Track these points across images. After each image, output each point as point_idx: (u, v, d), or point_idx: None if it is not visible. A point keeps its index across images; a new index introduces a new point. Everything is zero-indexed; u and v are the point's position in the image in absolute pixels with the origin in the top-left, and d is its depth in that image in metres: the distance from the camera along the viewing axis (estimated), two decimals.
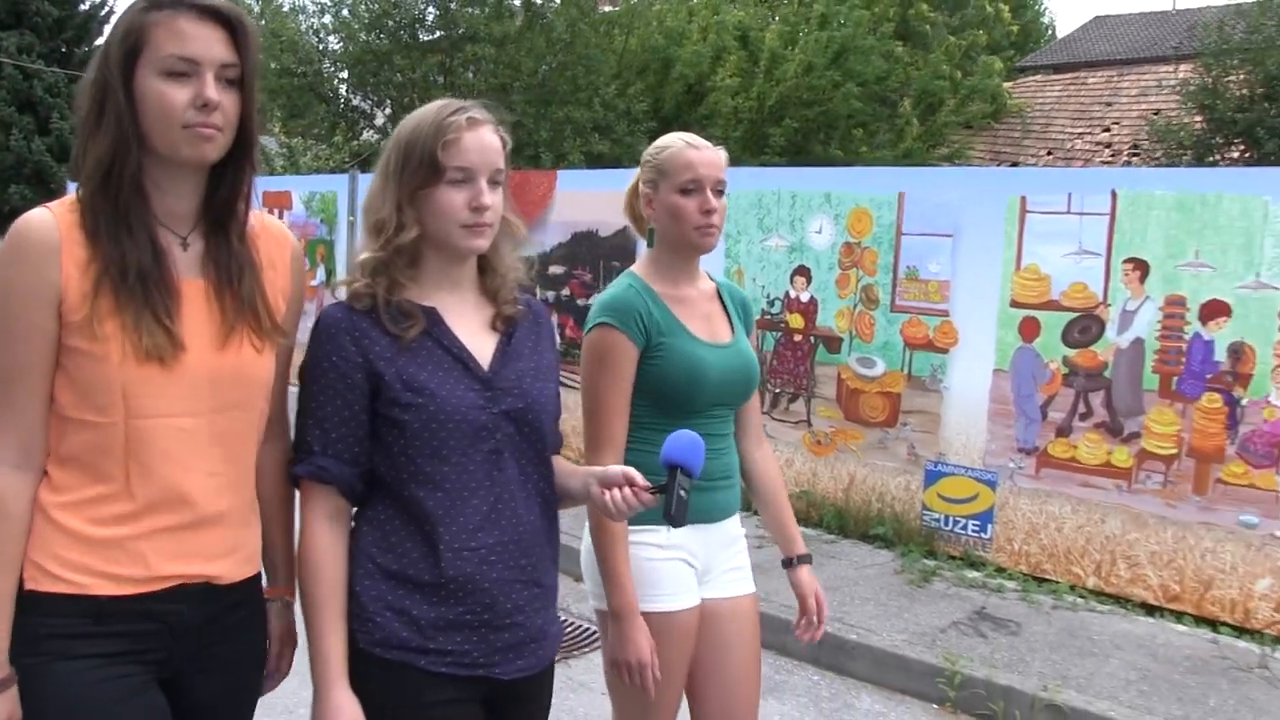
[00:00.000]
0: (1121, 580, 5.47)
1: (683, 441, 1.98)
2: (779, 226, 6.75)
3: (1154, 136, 17.10)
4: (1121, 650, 4.83)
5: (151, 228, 1.78)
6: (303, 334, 2.01)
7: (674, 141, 2.57)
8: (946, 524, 6.05)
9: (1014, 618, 5.17)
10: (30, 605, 1.74)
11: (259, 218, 1.97)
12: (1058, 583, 5.60)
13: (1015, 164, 20.36)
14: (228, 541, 1.87)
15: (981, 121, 21.05)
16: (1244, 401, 5.10)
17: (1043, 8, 36.02)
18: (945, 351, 6.06)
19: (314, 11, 14.78)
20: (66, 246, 1.72)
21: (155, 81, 1.72)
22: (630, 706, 2.56)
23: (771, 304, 6.76)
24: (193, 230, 1.85)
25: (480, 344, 2.03)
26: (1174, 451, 5.30)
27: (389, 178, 1.99)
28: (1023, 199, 5.72)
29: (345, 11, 14.53)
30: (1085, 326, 5.55)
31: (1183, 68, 17.77)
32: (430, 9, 14.93)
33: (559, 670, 2.24)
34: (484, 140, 1.97)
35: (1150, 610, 5.35)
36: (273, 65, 14.02)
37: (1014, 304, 5.76)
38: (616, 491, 1.98)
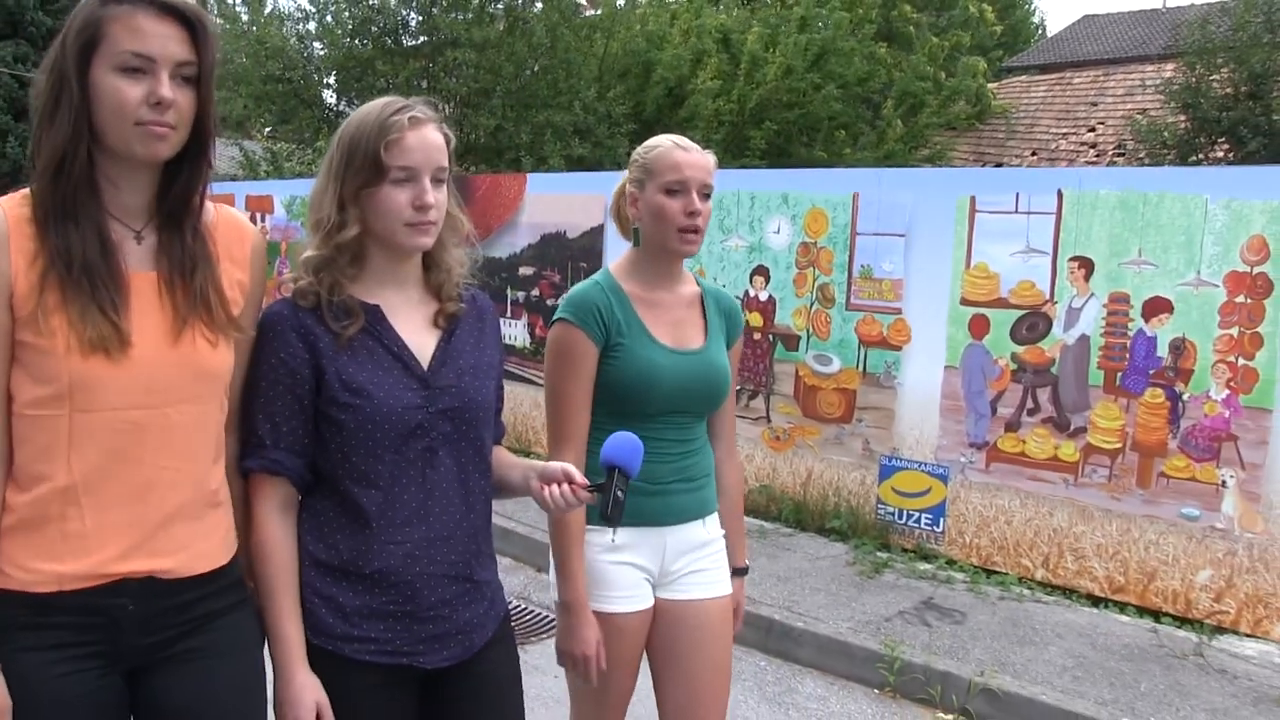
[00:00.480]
0: (1069, 572, 5.59)
1: (621, 443, 2.02)
2: (739, 227, 6.86)
3: (1137, 136, 17.18)
4: (1062, 639, 4.94)
5: (101, 221, 1.76)
6: None
7: (663, 142, 2.55)
8: (900, 517, 6.17)
9: (960, 607, 5.29)
10: None
11: (218, 210, 1.96)
12: (1006, 574, 5.71)
13: (999, 165, 20.47)
14: (179, 537, 1.84)
15: (966, 122, 21.17)
16: (1185, 397, 5.21)
17: (1032, 7, 36.14)
18: (899, 349, 6.17)
19: (299, 18, 14.91)
20: (14, 239, 1.71)
21: (110, 77, 1.70)
22: (584, 700, 2.62)
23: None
24: (147, 224, 1.83)
25: (422, 341, 2.06)
26: (1118, 446, 5.42)
27: (332, 176, 2.01)
28: (972, 199, 5.84)
29: (329, 18, 14.64)
30: (1033, 323, 5.66)
31: (1169, 67, 17.85)
32: (413, 15, 15.02)
33: None
34: (427, 139, 1.98)
35: (1096, 601, 5.47)
36: (260, 73, 14.14)
37: (964, 302, 5.88)
38: (555, 487, 2.02)
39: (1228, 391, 5.08)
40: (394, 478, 1.99)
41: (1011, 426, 5.75)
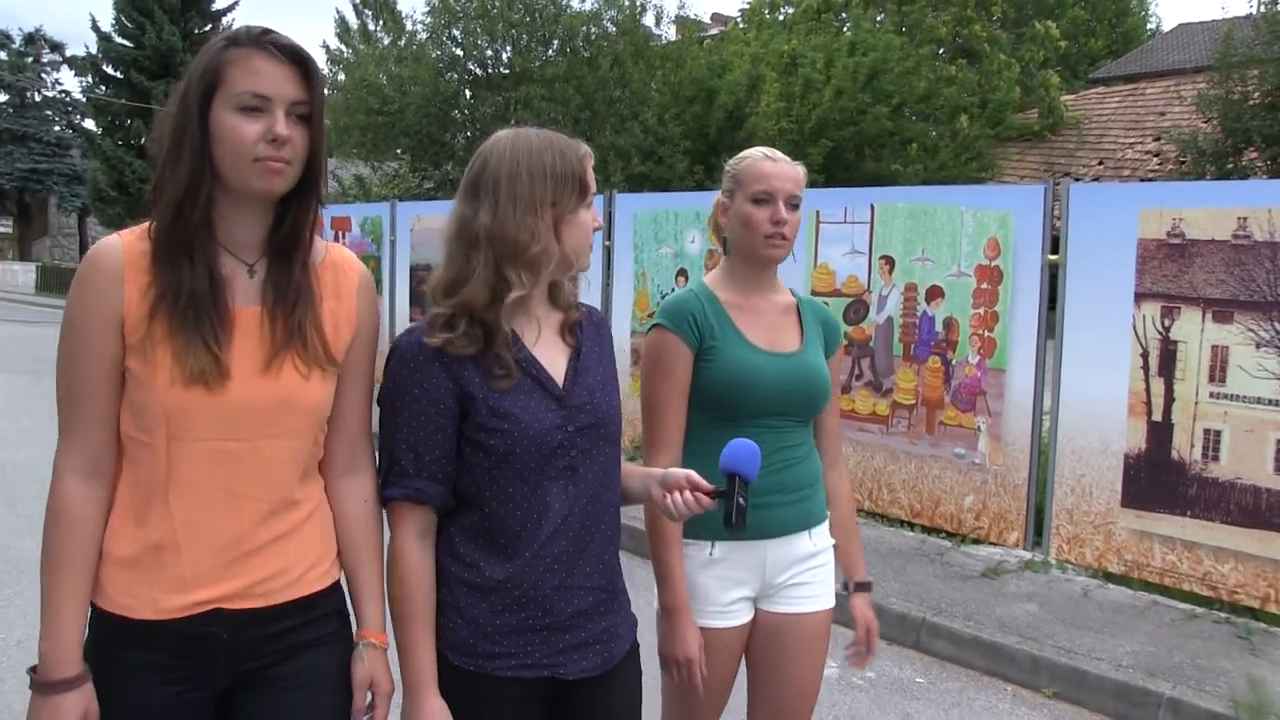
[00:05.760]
0: (885, 502, 7.19)
1: (739, 449, 2.01)
2: (668, 238, 8.65)
3: (1177, 147, 17.87)
4: None
5: (213, 256, 1.80)
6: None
7: (753, 154, 2.59)
8: None
9: None
10: (92, 616, 1.83)
11: (330, 248, 2.00)
12: None
13: (1067, 174, 21.36)
14: (268, 567, 1.87)
15: (1038, 134, 22.18)
16: (954, 362, 6.77)
17: (1149, 12, 36.20)
18: None
19: (396, 58, 17.19)
20: (130, 273, 1.76)
21: (229, 116, 1.75)
22: (676, 707, 2.61)
23: (663, 298, 8.63)
24: (260, 258, 1.87)
25: (554, 360, 2.08)
26: (914, 402, 7.00)
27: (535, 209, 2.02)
28: (818, 213, 7.49)
29: (421, 61, 16.88)
30: (857, 309, 7.29)
31: (1201, 78, 18.48)
32: (504, 51, 17.15)
33: None
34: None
35: (903, 524, 7.04)
36: (363, 108, 16.44)
37: (814, 293, 7.50)
38: (678, 494, 2.02)
39: (979, 357, 6.63)
40: (537, 495, 2.00)
41: (845, 389, 7.38)
